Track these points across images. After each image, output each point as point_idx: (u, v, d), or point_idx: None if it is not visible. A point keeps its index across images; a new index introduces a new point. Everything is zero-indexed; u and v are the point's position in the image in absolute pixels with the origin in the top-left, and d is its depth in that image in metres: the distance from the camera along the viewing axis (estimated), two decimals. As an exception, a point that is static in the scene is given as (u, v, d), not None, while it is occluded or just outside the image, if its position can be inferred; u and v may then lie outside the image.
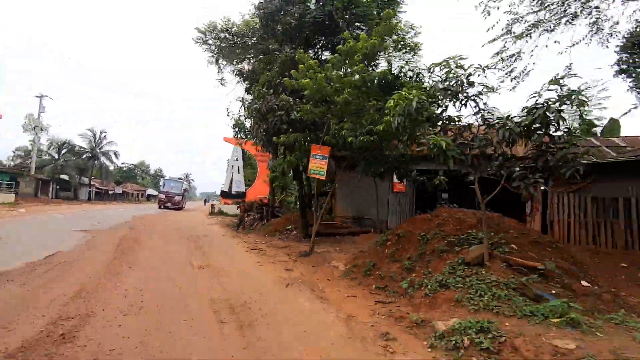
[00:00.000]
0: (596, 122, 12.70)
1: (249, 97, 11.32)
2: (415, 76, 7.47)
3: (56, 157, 44.04)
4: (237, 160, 24.63)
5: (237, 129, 13.59)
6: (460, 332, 3.08)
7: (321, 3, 9.44)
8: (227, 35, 12.80)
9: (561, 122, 3.88)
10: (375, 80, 6.54)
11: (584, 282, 5.00)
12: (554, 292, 3.92)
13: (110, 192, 56.35)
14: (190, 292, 4.75)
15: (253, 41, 12.14)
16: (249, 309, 4.08)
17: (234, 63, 13.20)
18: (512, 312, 3.40)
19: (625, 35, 11.77)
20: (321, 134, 7.12)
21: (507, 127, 3.74)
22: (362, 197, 12.10)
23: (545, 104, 3.85)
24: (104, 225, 12.61)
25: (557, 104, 3.81)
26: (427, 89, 4.39)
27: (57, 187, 40.05)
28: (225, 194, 26.22)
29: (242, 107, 12.02)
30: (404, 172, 7.10)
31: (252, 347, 3.06)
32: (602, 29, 7.15)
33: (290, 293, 4.94)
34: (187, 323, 3.54)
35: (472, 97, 4.28)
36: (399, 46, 13.29)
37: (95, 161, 47.64)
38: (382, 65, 11.85)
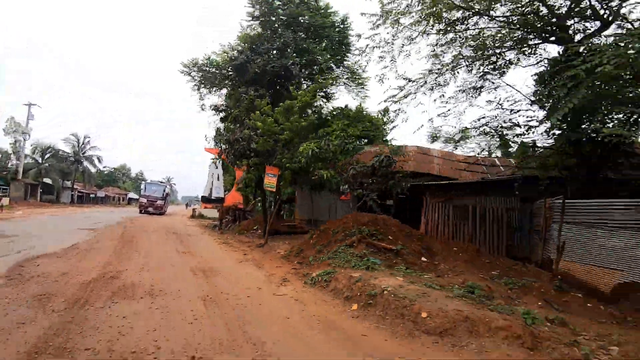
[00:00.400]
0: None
1: (222, 125, 14.22)
2: (343, 117, 10.51)
3: (40, 160, 45.28)
4: (217, 168, 27.22)
5: (216, 142, 16.35)
6: (319, 276, 6.05)
7: (279, 56, 12.43)
8: (207, 68, 15.62)
9: (393, 165, 6.95)
10: (306, 124, 9.50)
11: (423, 258, 8.09)
12: (381, 258, 6.95)
13: (91, 196, 57.62)
14: (177, 264, 7.55)
15: (229, 73, 14.99)
16: (213, 271, 6.93)
17: (213, 91, 16.03)
18: (349, 267, 6.40)
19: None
20: (272, 159, 10.05)
21: (355, 169, 6.78)
22: (318, 203, 15.08)
23: (384, 155, 6.90)
24: (101, 225, 15.10)
25: (390, 155, 6.87)
26: (322, 144, 7.41)
27: (41, 190, 41.42)
28: (205, 199, 28.69)
29: (217, 135, 14.99)
30: (330, 187, 10.14)
31: (210, 284, 5.91)
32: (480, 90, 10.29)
33: (241, 265, 7.82)
34: (176, 276, 6.36)
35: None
36: (351, 81, 16.40)
37: (79, 165, 49.06)
38: (341, 99, 14.97)
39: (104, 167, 71.93)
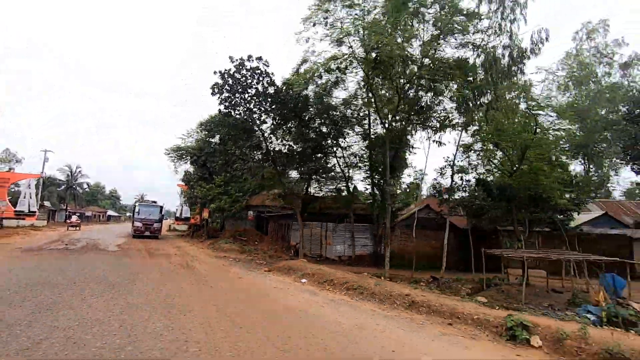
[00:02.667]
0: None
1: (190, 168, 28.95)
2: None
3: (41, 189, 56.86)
4: (185, 198, 41.30)
5: (184, 181, 30.59)
6: (215, 246, 20.77)
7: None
8: (182, 152, 29.86)
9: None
10: (218, 192, 24.08)
11: (256, 242, 22.93)
12: (238, 243, 21.78)
13: (67, 214, 69.06)
14: (171, 253, 21.93)
15: (198, 157, 29.34)
16: (193, 260, 21.38)
17: (187, 163, 30.18)
18: (223, 243, 21.15)
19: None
20: (208, 203, 24.44)
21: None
22: (237, 223, 29.64)
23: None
24: (123, 236, 28.75)
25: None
26: (221, 203, 22.14)
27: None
28: (177, 218, 42.84)
29: (184, 177, 29.62)
30: (239, 216, 24.62)
31: (190, 271, 20.39)
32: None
33: (202, 252, 22.37)
34: (173, 270, 20.80)
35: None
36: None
37: (72, 190, 60.99)
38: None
39: (85, 187, 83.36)
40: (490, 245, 14.78)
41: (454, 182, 14.96)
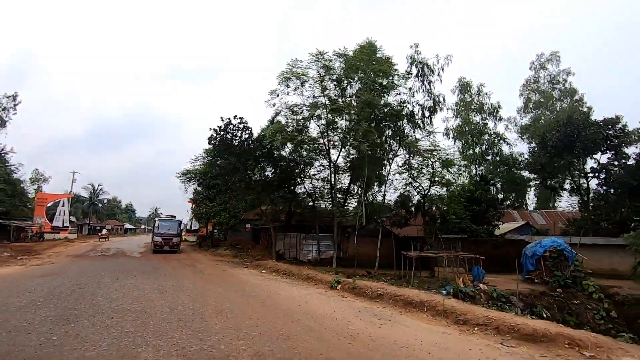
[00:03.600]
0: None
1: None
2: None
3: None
4: (194, 214, 47.37)
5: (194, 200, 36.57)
6: (215, 253, 26.51)
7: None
8: (191, 175, 35.92)
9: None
10: (218, 208, 29.73)
11: (249, 249, 28.58)
12: (234, 251, 27.47)
13: (99, 227, 75.98)
14: (181, 257, 27.73)
15: (204, 180, 35.36)
16: (196, 261, 27.15)
17: (195, 184, 36.15)
18: (222, 250, 26.85)
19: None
20: (212, 218, 30.13)
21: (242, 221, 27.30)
22: (239, 233, 35.35)
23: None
24: (142, 246, 34.68)
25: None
26: (221, 218, 27.89)
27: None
28: (188, 230, 48.97)
29: (195, 195, 35.58)
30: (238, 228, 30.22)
31: (193, 267, 26.15)
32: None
33: (204, 257, 28.15)
34: (181, 266, 26.57)
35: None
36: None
37: (94, 206, 67.96)
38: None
39: (105, 201, 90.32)
40: (414, 250, 20.11)
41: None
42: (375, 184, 22.22)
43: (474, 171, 35.92)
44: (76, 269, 15.36)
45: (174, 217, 32.16)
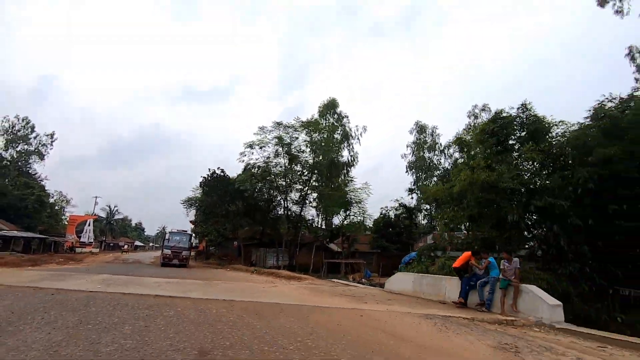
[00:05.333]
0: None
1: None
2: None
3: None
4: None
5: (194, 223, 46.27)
6: (207, 262, 36.08)
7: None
8: (192, 202, 45.78)
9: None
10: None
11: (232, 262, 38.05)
12: (221, 261, 36.98)
13: (111, 244, 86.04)
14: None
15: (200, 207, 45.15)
16: (190, 266, 36.69)
17: (195, 210, 45.90)
18: (211, 260, 36.36)
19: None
20: (207, 235, 39.62)
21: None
22: (229, 247, 44.81)
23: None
24: (152, 258, 44.18)
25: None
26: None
27: (93, 242, 70.03)
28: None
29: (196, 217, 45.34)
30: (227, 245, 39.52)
31: (187, 269, 35.68)
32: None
33: (197, 263, 37.71)
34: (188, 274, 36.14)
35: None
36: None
37: (110, 225, 78.27)
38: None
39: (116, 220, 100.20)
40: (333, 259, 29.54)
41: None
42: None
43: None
44: (112, 267, 25.00)
45: (186, 231, 33.20)
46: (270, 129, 29.04)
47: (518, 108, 18.70)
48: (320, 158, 30.37)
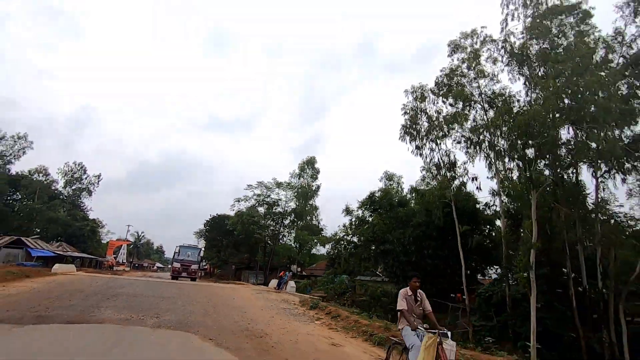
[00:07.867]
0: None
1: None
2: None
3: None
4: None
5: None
6: (212, 278, 49.71)
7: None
8: (201, 234, 59.79)
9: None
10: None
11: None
12: (216, 280, 50.51)
13: (136, 265, 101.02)
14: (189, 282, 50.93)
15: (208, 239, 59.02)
16: (196, 282, 50.30)
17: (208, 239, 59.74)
18: (211, 279, 49.91)
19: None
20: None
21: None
22: (228, 269, 58.23)
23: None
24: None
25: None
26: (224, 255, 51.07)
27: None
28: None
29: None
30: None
31: (192, 285, 49.27)
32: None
33: (201, 281, 51.36)
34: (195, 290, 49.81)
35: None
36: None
37: (138, 248, 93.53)
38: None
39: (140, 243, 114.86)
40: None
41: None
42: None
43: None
44: (146, 279, 38.83)
45: (196, 245, 35.78)
46: (255, 186, 43.23)
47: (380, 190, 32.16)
48: (294, 205, 43.95)
